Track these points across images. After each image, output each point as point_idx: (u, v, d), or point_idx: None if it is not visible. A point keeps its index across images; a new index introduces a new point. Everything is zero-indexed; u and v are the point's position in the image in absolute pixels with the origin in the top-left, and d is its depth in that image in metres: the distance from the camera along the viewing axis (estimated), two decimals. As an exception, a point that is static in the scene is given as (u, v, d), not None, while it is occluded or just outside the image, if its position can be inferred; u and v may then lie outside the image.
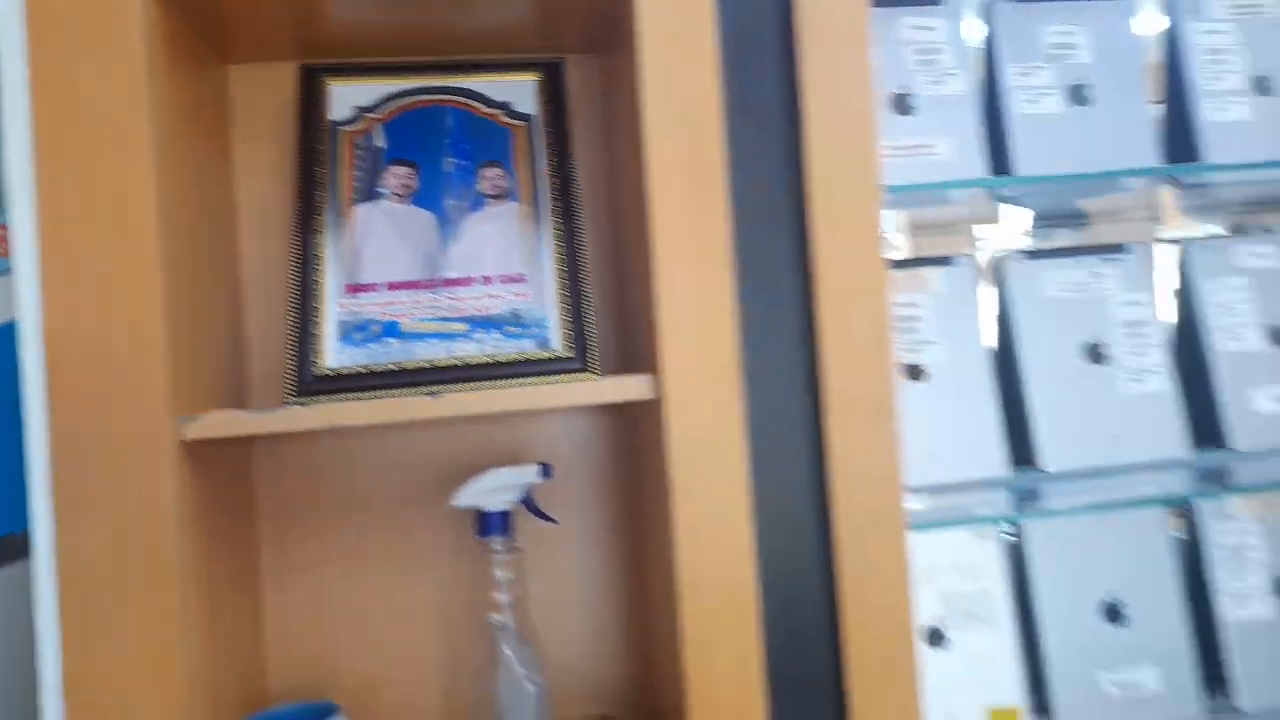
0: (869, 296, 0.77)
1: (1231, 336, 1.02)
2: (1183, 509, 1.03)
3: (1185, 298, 1.04)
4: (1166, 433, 1.00)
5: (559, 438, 0.95)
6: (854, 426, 0.76)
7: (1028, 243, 1.14)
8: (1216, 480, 1.05)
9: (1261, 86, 1.03)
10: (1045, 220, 1.19)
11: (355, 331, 0.82)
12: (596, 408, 0.95)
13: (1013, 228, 1.18)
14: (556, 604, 0.94)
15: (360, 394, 0.78)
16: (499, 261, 0.85)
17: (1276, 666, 1.01)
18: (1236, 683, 1.00)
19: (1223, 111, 1.02)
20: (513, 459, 0.92)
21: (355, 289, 0.84)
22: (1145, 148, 1.00)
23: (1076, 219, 1.20)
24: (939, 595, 0.98)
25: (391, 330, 0.82)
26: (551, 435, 0.95)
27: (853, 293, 0.77)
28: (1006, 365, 1.02)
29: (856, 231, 0.77)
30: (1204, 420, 1.02)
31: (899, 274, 0.99)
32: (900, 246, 1.13)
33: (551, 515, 0.89)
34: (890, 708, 0.77)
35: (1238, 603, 1.02)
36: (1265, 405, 1.01)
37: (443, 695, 0.91)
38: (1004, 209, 1.15)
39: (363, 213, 0.86)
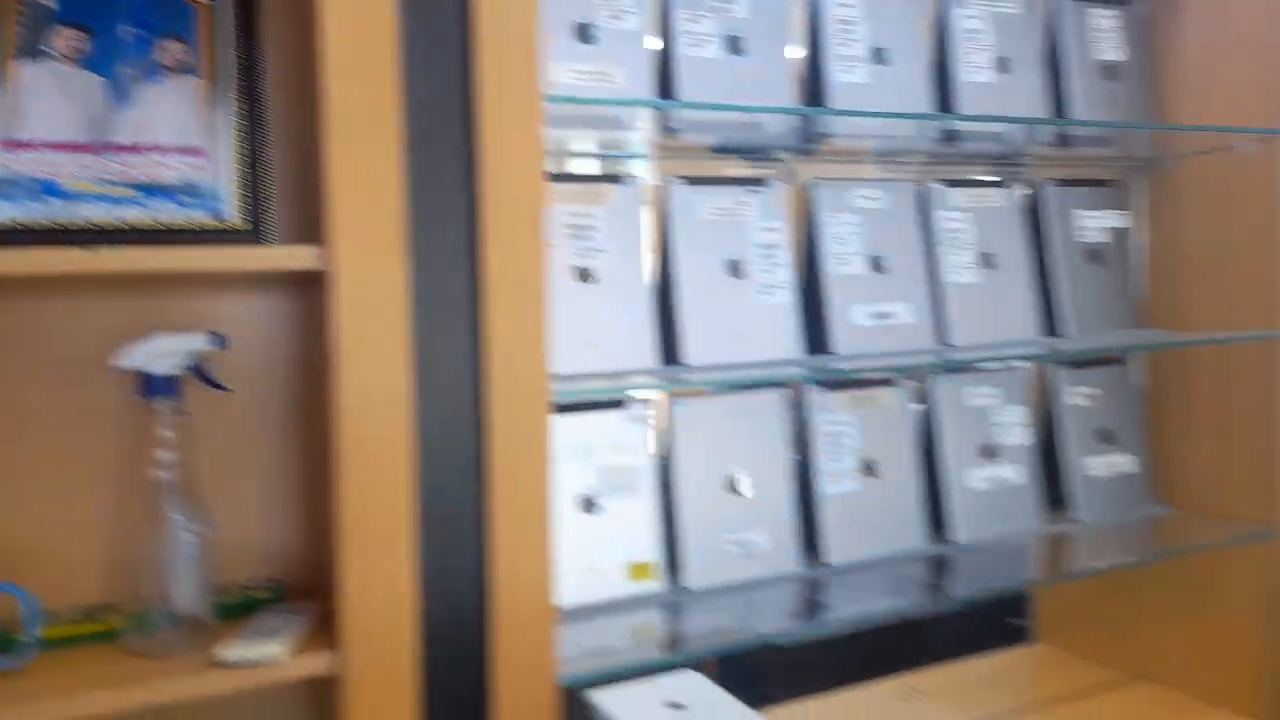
0: (528, 191, 0.87)
1: (842, 262, 1.24)
2: (796, 401, 1.25)
3: (810, 228, 1.25)
4: (786, 338, 1.20)
5: (241, 313, 0.98)
6: (510, 308, 0.87)
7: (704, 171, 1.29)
8: (823, 378, 1.28)
9: (879, 57, 1.24)
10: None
11: (10, 187, 0.80)
12: (280, 285, 0.99)
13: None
14: (234, 473, 0.98)
15: (12, 248, 0.78)
16: (174, 132, 0.87)
17: (859, 531, 1.27)
18: (828, 543, 1.25)
19: (848, 74, 1.23)
20: (189, 330, 0.94)
21: (13, 145, 0.82)
22: (783, 96, 1.19)
23: (772, 158, 1.36)
24: (595, 469, 1.13)
25: (51, 189, 0.81)
26: (233, 311, 0.98)
27: (514, 185, 0.87)
28: (664, 274, 1.17)
29: (520, 132, 0.87)
30: (817, 329, 1.24)
31: (575, 187, 1.11)
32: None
33: (224, 384, 0.93)
34: (527, 555, 0.89)
35: (833, 479, 1.26)
36: (863, 320, 1.25)
37: (103, 557, 0.93)
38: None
39: (24, 70, 0.84)
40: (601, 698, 1.39)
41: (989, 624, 2.04)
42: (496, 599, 0.88)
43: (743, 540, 1.19)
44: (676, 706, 1.36)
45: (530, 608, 0.90)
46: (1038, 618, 1.76)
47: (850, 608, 1.17)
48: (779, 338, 1.20)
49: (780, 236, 1.21)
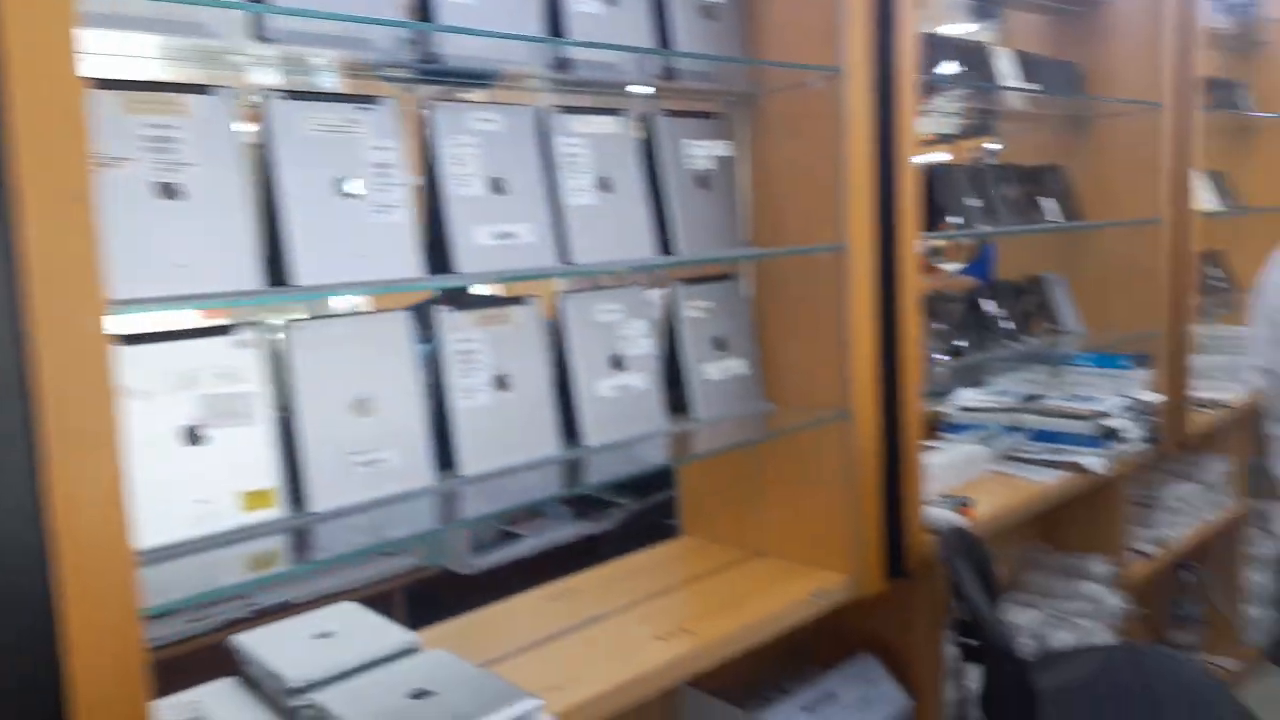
0: (64, 90, 0.80)
1: (462, 184, 1.27)
2: (424, 321, 1.27)
3: (430, 149, 1.26)
4: (405, 257, 1.21)
5: None
6: (50, 218, 0.80)
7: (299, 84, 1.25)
8: (450, 298, 1.31)
9: (487, -20, 1.27)
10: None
11: None
12: None
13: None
14: None
15: None
16: None
17: (493, 442, 1.32)
18: (462, 456, 1.29)
19: (457, -6, 1.24)
20: None
21: None
22: (390, 11, 1.18)
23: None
24: (199, 398, 1.07)
25: None
26: None
27: (45, 82, 0.79)
28: (267, 192, 1.13)
29: (49, 24, 0.79)
30: (439, 249, 1.26)
31: (151, 96, 1.03)
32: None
33: None
34: (94, 492, 0.83)
35: (466, 395, 1.30)
36: (485, 240, 1.29)
37: None
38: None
39: None
40: (244, 639, 1.34)
41: (648, 529, 2.23)
42: (59, 541, 0.81)
43: (373, 460, 1.20)
44: (325, 636, 1.36)
45: (103, 549, 0.84)
46: (683, 515, 1.95)
47: (483, 508, 1.22)
48: (398, 257, 1.20)
49: (395, 155, 1.21)
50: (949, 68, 2.07)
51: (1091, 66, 2.39)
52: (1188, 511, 2.67)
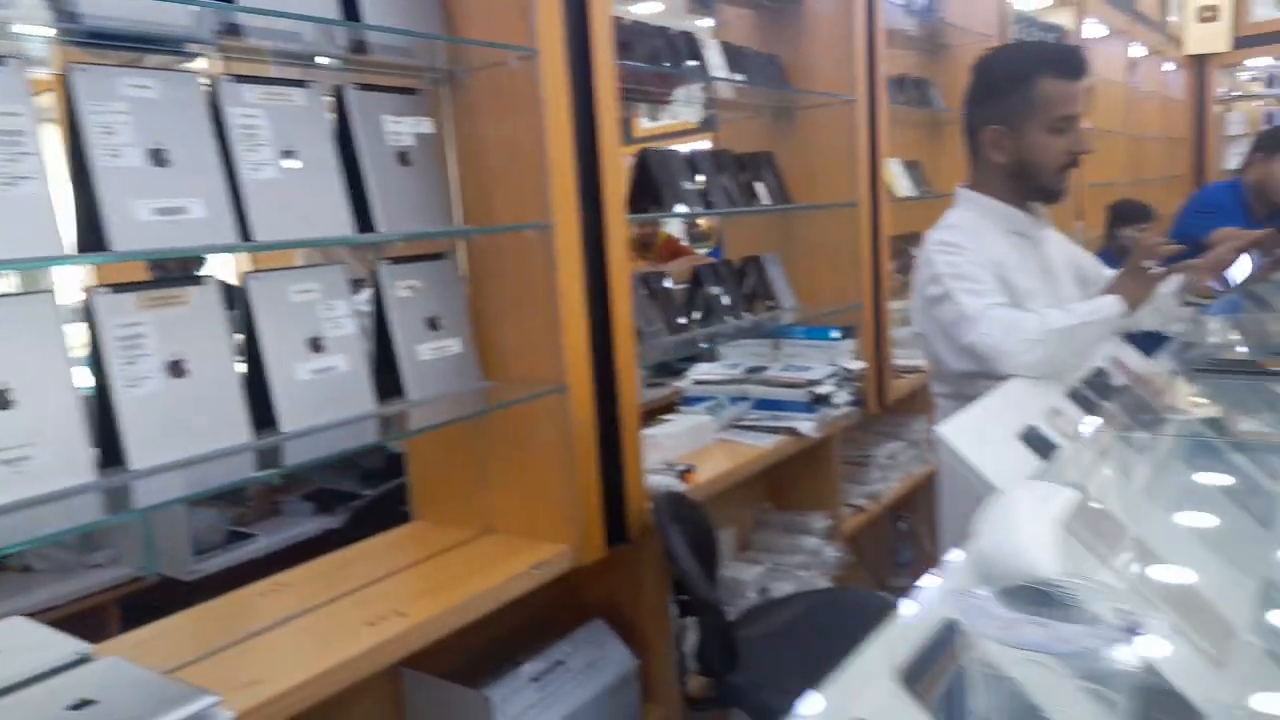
0: None
1: (113, 154, 1.18)
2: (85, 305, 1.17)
3: (73, 117, 1.16)
4: (43, 233, 1.11)
5: None
6: None
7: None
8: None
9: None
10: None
11: None
12: None
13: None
14: None
15: None
16: None
17: (168, 432, 1.24)
18: (130, 449, 1.20)
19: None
20: None
21: None
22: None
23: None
24: None
25: None
26: None
27: None
28: None
29: None
30: (92, 225, 1.17)
31: None
32: None
33: None
34: None
35: (131, 384, 1.21)
36: (145, 215, 1.20)
37: None
38: None
39: None
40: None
41: (388, 517, 2.18)
42: None
43: (16, 457, 1.09)
44: (-21, 655, 1.22)
45: None
46: (413, 500, 1.92)
47: (149, 500, 1.15)
48: (33, 234, 1.10)
49: (26, 122, 1.10)
50: (661, 57, 2.16)
51: (794, 61, 2.59)
52: (897, 467, 2.97)
